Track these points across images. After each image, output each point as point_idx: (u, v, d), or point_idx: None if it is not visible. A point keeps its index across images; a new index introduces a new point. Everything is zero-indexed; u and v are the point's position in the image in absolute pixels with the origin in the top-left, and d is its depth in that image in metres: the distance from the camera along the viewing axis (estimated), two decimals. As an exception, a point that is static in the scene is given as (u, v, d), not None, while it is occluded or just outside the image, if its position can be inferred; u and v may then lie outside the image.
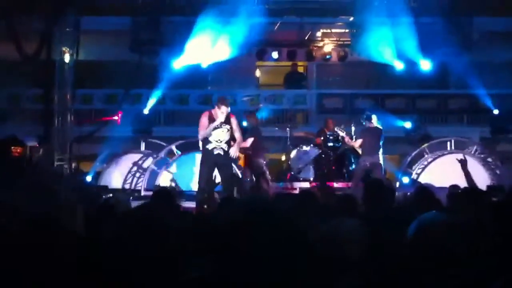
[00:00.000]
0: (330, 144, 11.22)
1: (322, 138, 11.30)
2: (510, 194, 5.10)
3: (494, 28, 13.89)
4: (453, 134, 12.55)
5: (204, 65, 13.17)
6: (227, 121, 8.05)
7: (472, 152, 11.59)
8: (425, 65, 13.13)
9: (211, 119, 7.99)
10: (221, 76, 14.94)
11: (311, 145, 11.22)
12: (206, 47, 12.78)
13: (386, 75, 14.16)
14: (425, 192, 4.66)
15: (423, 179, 10.94)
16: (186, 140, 11.30)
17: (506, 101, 13.16)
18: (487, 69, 13.28)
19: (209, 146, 8.03)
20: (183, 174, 10.73)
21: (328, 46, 14.23)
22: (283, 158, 12.00)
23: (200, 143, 8.51)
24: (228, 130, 8.09)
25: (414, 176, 11.24)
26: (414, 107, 14.21)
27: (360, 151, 10.03)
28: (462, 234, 2.10)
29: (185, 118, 14.09)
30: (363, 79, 15.81)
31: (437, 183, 10.48)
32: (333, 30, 14.53)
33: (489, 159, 11.54)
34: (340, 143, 11.20)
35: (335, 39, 14.32)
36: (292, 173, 11.17)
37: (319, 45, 14.40)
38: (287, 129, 11.62)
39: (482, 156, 11.67)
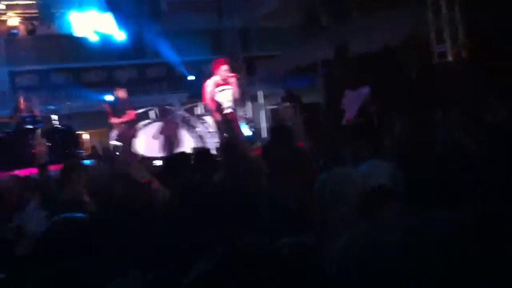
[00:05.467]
0: (29, 126, 10.36)
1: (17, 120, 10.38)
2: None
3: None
4: (155, 103, 12.80)
5: None
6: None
7: (175, 118, 12.00)
8: (120, 35, 13.02)
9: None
10: None
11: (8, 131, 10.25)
12: None
13: (81, 47, 13.66)
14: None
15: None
16: None
17: (199, 66, 13.95)
18: (180, 37, 13.84)
19: None
20: None
21: (13, 19, 13.08)
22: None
23: None
24: None
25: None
26: (113, 79, 14.09)
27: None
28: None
29: None
30: (58, 53, 14.97)
31: (147, 153, 10.65)
32: (18, 2, 13.36)
33: (192, 123, 12.11)
34: (43, 123, 10.49)
35: (20, 11, 13.20)
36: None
37: (3, 18, 13.13)
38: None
39: (184, 121, 12.19)
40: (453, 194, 2.19)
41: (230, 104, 8.25)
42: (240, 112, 13.47)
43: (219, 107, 8.12)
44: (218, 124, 8.41)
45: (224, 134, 8.30)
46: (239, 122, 9.12)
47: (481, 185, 2.60)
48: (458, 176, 2.61)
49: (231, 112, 8.28)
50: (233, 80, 8.25)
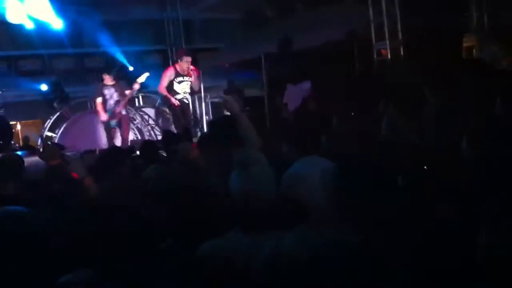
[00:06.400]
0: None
1: None
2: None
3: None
4: (93, 93, 12.47)
5: None
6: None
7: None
8: (58, 23, 12.52)
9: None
10: None
11: None
12: None
13: (16, 34, 13.07)
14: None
15: (65, 141, 10.61)
16: None
17: (140, 57, 13.66)
18: (121, 27, 13.49)
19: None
20: None
21: None
22: None
23: None
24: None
25: (57, 140, 10.80)
26: (51, 68, 13.58)
27: None
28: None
29: None
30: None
31: (79, 144, 10.34)
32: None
33: (131, 116, 11.85)
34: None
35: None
36: None
37: None
38: None
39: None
40: (387, 191, 2.17)
41: (186, 95, 8.39)
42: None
43: (174, 96, 8.32)
44: (172, 112, 8.71)
45: (176, 122, 8.56)
46: (191, 113, 9.40)
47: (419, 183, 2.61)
48: (396, 173, 2.60)
49: (185, 103, 8.49)
50: (193, 72, 8.30)
